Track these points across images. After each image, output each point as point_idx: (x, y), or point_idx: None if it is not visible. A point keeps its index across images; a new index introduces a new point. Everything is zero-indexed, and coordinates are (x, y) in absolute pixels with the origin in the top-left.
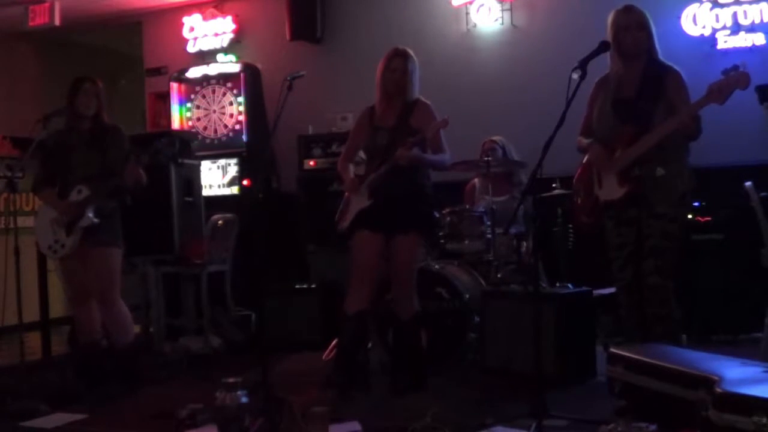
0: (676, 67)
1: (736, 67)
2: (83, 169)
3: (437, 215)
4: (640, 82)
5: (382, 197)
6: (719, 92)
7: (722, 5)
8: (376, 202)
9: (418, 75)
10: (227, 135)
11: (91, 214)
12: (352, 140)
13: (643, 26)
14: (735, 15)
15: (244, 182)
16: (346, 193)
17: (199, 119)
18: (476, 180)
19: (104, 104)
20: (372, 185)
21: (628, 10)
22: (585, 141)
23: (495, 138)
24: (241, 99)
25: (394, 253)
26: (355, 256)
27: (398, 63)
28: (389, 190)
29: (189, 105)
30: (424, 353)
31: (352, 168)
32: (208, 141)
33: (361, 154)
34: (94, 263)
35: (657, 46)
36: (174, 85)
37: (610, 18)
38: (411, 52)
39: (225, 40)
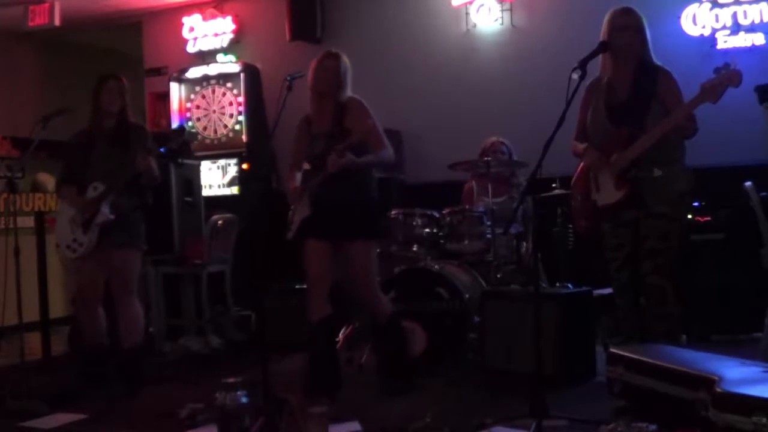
0: (666, 68)
1: (727, 65)
2: (103, 166)
3: (386, 218)
4: (632, 84)
5: (322, 206)
6: (712, 91)
7: (722, 5)
8: (318, 210)
9: (350, 76)
10: (227, 135)
11: (106, 210)
12: (295, 151)
13: (639, 30)
14: (735, 15)
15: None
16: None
17: (198, 119)
18: (473, 182)
19: (128, 102)
20: (311, 194)
21: (626, 12)
22: (580, 146)
23: (502, 139)
24: (240, 99)
25: (348, 264)
26: (306, 267)
27: (330, 63)
28: (329, 198)
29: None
30: (410, 352)
31: (299, 177)
32: (207, 141)
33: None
34: (112, 263)
35: (650, 49)
36: (174, 87)
37: (606, 18)
38: (343, 54)
39: (225, 41)
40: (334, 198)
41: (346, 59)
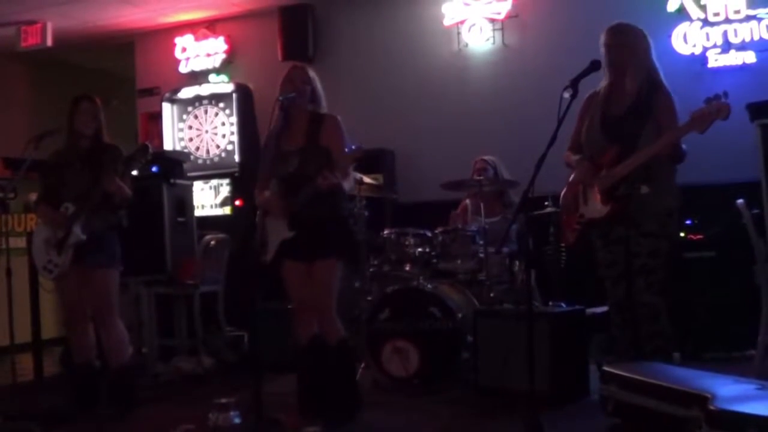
0: (667, 89)
1: (718, 97)
2: (75, 187)
3: (355, 239)
4: (631, 100)
5: (301, 225)
6: (701, 120)
7: (713, 24)
8: (297, 231)
9: (320, 88)
10: (219, 155)
11: (78, 230)
12: (263, 168)
13: (632, 45)
14: (725, 33)
15: (237, 202)
16: (261, 219)
17: (191, 139)
18: (467, 201)
19: (103, 123)
20: (292, 214)
21: (619, 29)
22: (574, 158)
23: (486, 157)
24: (233, 119)
25: (313, 279)
26: (288, 289)
27: (298, 74)
28: (308, 217)
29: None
30: (355, 380)
31: (267, 194)
32: (200, 161)
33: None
34: (91, 285)
35: (656, 65)
36: (166, 107)
37: (602, 35)
38: (309, 67)
39: (217, 61)
40: (314, 216)
41: (312, 72)
